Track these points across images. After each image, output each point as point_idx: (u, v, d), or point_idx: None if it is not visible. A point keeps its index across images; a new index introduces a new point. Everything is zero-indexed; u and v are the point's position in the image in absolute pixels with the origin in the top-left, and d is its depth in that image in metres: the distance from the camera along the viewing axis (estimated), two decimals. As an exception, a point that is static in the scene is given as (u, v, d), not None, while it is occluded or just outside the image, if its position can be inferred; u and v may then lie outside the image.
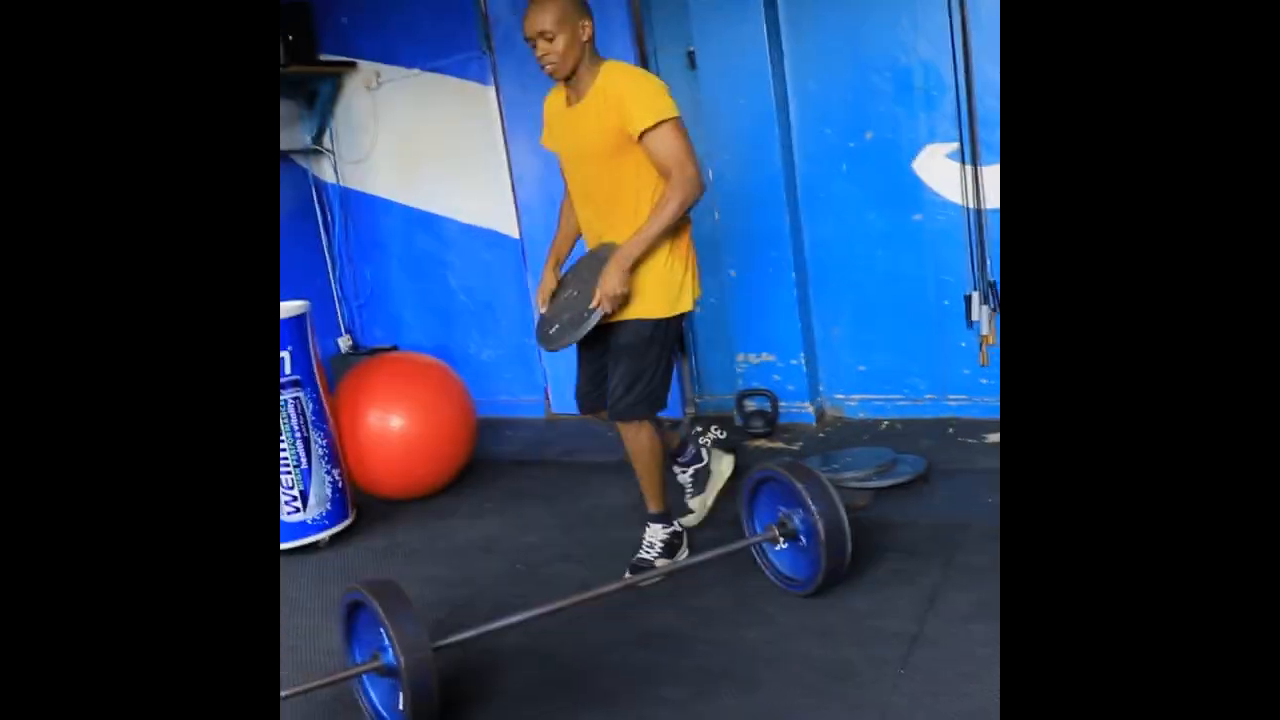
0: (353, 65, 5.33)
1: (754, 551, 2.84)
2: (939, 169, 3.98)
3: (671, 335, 2.95)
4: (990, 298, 3.91)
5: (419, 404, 3.99)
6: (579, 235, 3.16)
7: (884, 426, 4.22)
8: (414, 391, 4.03)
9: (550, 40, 2.72)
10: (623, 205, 2.86)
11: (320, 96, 5.42)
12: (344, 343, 5.73)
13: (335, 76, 5.38)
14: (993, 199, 3.87)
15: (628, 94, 2.73)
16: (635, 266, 2.79)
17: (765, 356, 4.41)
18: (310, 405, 3.63)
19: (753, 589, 2.80)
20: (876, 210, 4.15)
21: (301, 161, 5.60)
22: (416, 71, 5.16)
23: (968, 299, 3.96)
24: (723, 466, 3.46)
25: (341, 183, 5.63)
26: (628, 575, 2.91)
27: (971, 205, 3.91)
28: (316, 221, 5.68)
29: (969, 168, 3.88)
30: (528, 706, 2.38)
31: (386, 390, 3.98)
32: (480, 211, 5.21)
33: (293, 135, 5.52)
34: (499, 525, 3.70)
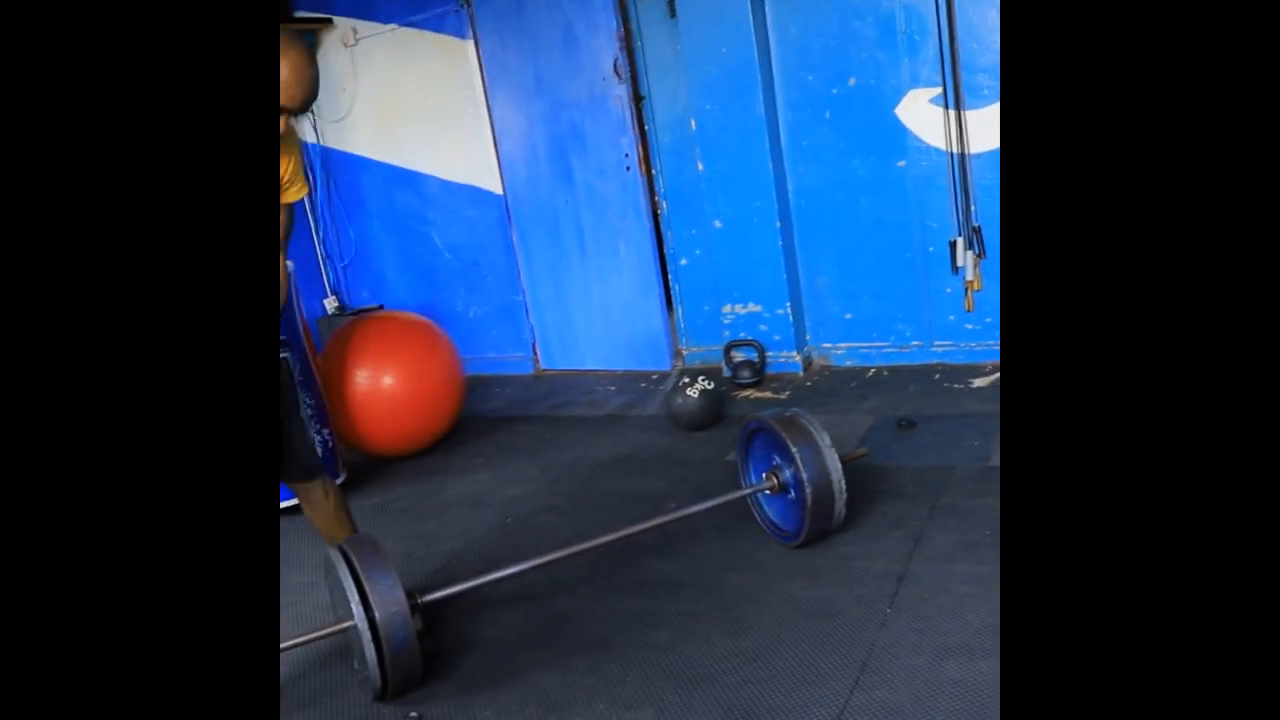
0: (328, 22, 5.26)
1: (749, 501, 2.86)
2: (922, 114, 3.96)
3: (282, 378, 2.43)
4: (975, 243, 3.92)
5: (406, 363, 3.99)
6: None
7: (870, 374, 4.24)
8: (401, 350, 4.03)
9: None
10: None
11: (297, 54, 5.35)
12: (330, 304, 5.72)
13: (311, 33, 5.30)
14: (976, 144, 3.86)
15: None
16: None
17: (752, 307, 4.41)
18: (297, 366, 3.62)
19: (742, 536, 2.82)
20: (860, 157, 4.14)
21: (281, 121, 5.54)
22: (393, 27, 5.09)
23: (952, 245, 3.97)
24: None
25: (321, 142, 5.58)
26: None
27: (955, 150, 3.90)
28: (298, 182, 5.63)
29: (952, 113, 3.86)
30: (518, 654, 2.41)
31: (374, 350, 3.98)
32: (462, 168, 5.17)
33: (271, 95, 5.46)
34: (489, 480, 3.72)
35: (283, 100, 2.16)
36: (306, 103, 2.25)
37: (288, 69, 2.16)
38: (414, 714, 2.22)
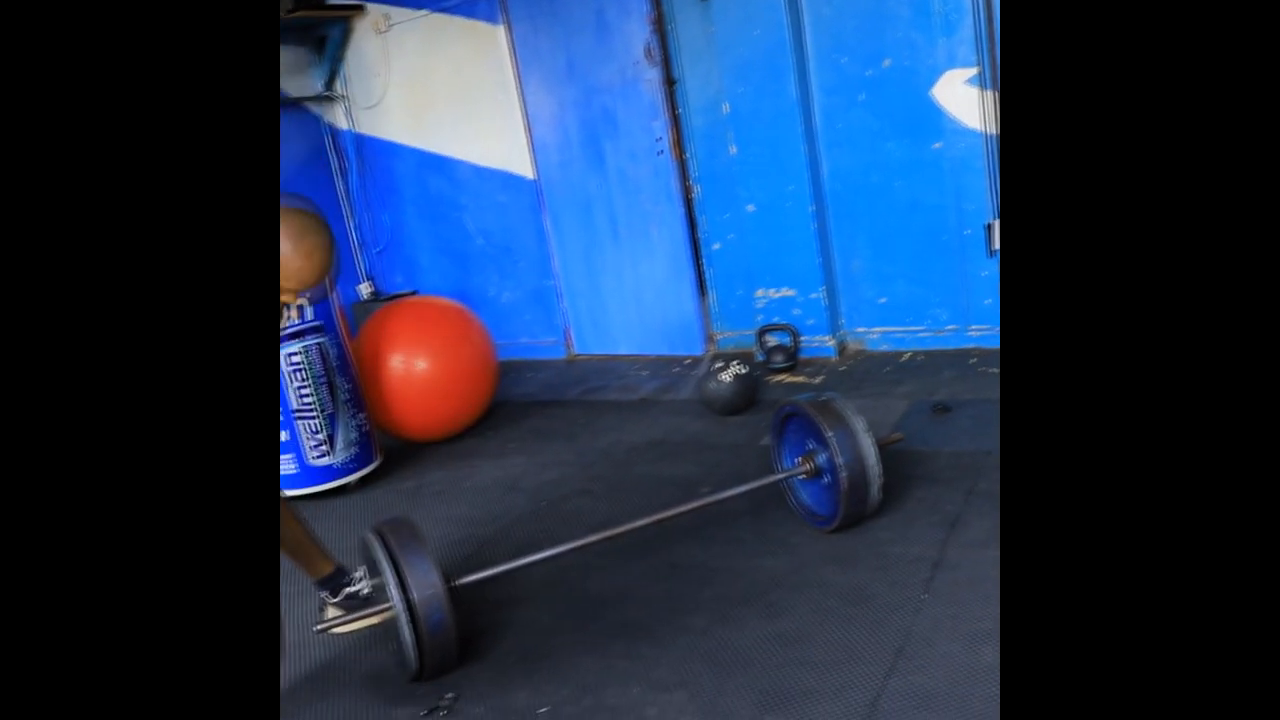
0: (360, 8, 5.28)
1: (783, 486, 2.85)
2: (958, 95, 3.91)
3: None
4: (1011, 225, 3.87)
5: (440, 347, 4.01)
6: None
7: (905, 359, 4.21)
8: (435, 335, 4.05)
9: None
10: None
11: (330, 41, 5.38)
12: (364, 289, 5.76)
13: (344, 20, 5.33)
14: (1013, 124, 3.81)
15: None
16: None
17: (785, 291, 4.39)
18: (333, 351, 3.66)
19: (776, 520, 2.82)
20: (895, 139, 4.09)
21: (314, 108, 5.58)
22: (425, 12, 5.10)
23: (988, 227, 3.92)
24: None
25: (355, 129, 5.61)
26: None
27: (992, 131, 3.84)
28: (331, 169, 5.68)
29: (989, 93, 3.81)
30: (554, 637, 2.42)
31: (408, 334, 4.01)
32: (494, 153, 5.18)
33: (304, 82, 5.50)
34: (522, 464, 3.74)
35: (284, 282, 1.97)
36: (318, 278, 2.05)
37: (288, 245, 1.97)
38: (450, 695, 2.24)
